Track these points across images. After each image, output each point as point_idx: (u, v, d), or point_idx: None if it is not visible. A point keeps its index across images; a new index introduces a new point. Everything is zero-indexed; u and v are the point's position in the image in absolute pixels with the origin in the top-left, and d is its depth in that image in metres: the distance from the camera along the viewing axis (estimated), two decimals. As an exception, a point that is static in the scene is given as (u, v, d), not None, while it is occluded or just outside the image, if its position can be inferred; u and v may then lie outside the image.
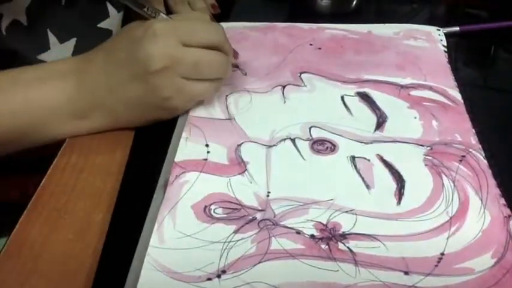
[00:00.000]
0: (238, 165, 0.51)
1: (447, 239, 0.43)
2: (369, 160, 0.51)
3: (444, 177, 0.49)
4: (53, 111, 0.54)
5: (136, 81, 0.53)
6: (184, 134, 0.54)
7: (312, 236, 0.44)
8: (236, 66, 0.65)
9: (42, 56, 0.66)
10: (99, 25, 0.73)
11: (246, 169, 0.50)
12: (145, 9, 0.58)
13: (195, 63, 0.53)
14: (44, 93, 0.54)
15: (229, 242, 0.43)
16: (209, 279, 0.40)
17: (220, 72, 0.57)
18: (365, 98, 0.59)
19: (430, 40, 0.69)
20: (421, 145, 0.53)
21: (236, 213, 0.46)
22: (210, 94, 0.58)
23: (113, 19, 0.74)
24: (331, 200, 0.47)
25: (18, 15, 0.63)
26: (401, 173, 0.50)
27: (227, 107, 0.59)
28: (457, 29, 0.72)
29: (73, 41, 0.69)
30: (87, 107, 0.55)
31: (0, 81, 0.54)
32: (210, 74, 0.55)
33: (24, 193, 0.67)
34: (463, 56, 0.70)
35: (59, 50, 0.67)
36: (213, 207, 0.47)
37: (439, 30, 0.71)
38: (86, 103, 0.55)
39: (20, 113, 0.53)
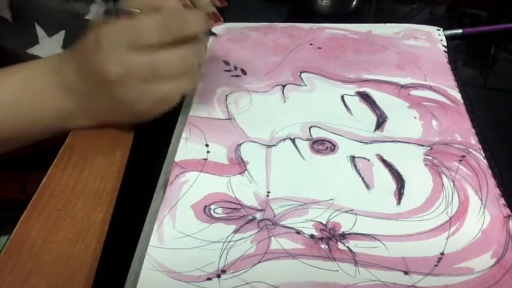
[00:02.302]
0: (238, 165, 0.51)
1: (447, 239, 0.43)
2: (368, 160, 0.51)
3: (444, 177, 0.49)
4: (41, 113, 0.54)
5: (101, 89, 0.52)
6: (184, 134, 0.54)
7: (312, 236, 0.44)
8: (213, 34, 0.63)
9: (32, 50, 0.65)
10: (87, 17, 0.72)
11: (246, 169, 0.50)
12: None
13: (150, 66, 0.50)
14: (30, 94, 0.53)
15: (229, 241, 0.43)
16: (209, 279, 0.40)
17: (187, 67, 0.52)
18: (365, 97, 0.59)
19: (430, 40, 0.69)
20: (421, 145, 0.53)
21: (236, 213, 0.46)
22: (181, 93, 0.53)
23: (100, 11, 0.74)
24: (331, 200, 0.47)
25: (2, 12, 0.62)
26: (401, 173, 0.50)
27: (227, 107, 0.59)
28: (459, 31, 0.72)
29: (62, 33, 0.68)
30: (69, 108, 0.54)
31: None
32: (172, 72, 0.51)
33: (24, 190, 0.68)
34: (463, 56, 0.70)
35: (48, 44, 0.66)
36: (212, 207, 0.47)
37: (439, 30, 0.71)
38: (68, 104, 0.54)
39: (9, 115, 0.53)
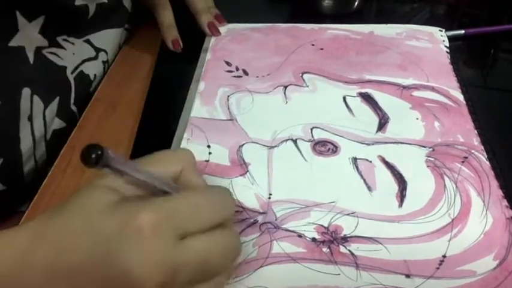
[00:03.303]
0: (240, 166, 0.51)
1: (449, 241, 0.43)
2: (370, 161, 0.51)
3: (446, 179, 0.49)
4: None
5: None
6: (185, 135, 0.54)
7: (314, 239, 0.44)
8: None
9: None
10: None
11: (248, 170, 0.50)
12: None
13: (201, 264, 0.35)
14: None
15: (230, 245, 0.43)
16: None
17: (231, 261, 0.39)
18: (367, 98, 0.59)
19: (432, 41, 0.69)
20: (423, 146, 0.52)
21: (237, 216, 0.46)
22: None
23: None
24: (333, 202, 0.47)
25: None
26: (403, 174, 0.49)
27: (228, 108, 0.58)
28: (462, 32, 0.72)
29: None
30: None
31: None
32: (220, 268, 0.37)
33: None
34: (464, 56, 0.70)
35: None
36: (214, 209, 0.46)
37: (442, 31, 0.71)
38: None
39: None
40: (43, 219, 0.36)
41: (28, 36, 0.57)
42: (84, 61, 0.66)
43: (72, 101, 0.64)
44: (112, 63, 0.71)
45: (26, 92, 0.57)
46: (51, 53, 0.60)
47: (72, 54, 0.64)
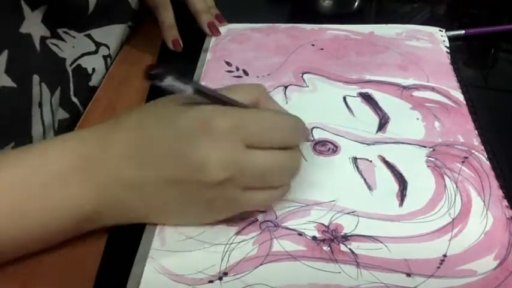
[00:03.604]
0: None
1: (449, 240, 0.43)
2: (371, 161, 0.51)
3: (446, 179, 0.49)
4: (54, 217, 0.41)
5: (177, 188, 0.41)
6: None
7: (314, 238, 0.44)
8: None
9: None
10: None
11: (248, 170, 0.50)
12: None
13: (262, 172, 0.41)
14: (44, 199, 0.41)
15: (230, 243, 0.43)
16: (211, 281, 0.40)
17: (289, 178, 0.45)
18: (367, 98, 0.59)
19: (432, 41, 0.69)
20: (423, 146, 0.52)
21: (238, 215, 0.46)
22: (269, 205, 0.46)
23: None
24: (333, 201, 0.47)
25: None
26: (404, 174, 0.49)
27: (229, 108, 0.58)
28: (462, 32, 0.72)
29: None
30: (94, 209, 0.42)
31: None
32: (278, 181, 0.44)
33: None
34: (464, 57, 0.70)
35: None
36: (214, 208, 0.46)
37: (442, 31, 0.71)
38: (93, 205, 0.42)
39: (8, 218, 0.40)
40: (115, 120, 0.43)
41: (33, 24, 0.57)
42: (83, 55, 0.66)
43: (71, 92, 0.64)
44: (115, 59, 0.71)
45: (36, 78, 0.57)
46: (53, 44, 0.61)
47: (72, 48, 0.64)
